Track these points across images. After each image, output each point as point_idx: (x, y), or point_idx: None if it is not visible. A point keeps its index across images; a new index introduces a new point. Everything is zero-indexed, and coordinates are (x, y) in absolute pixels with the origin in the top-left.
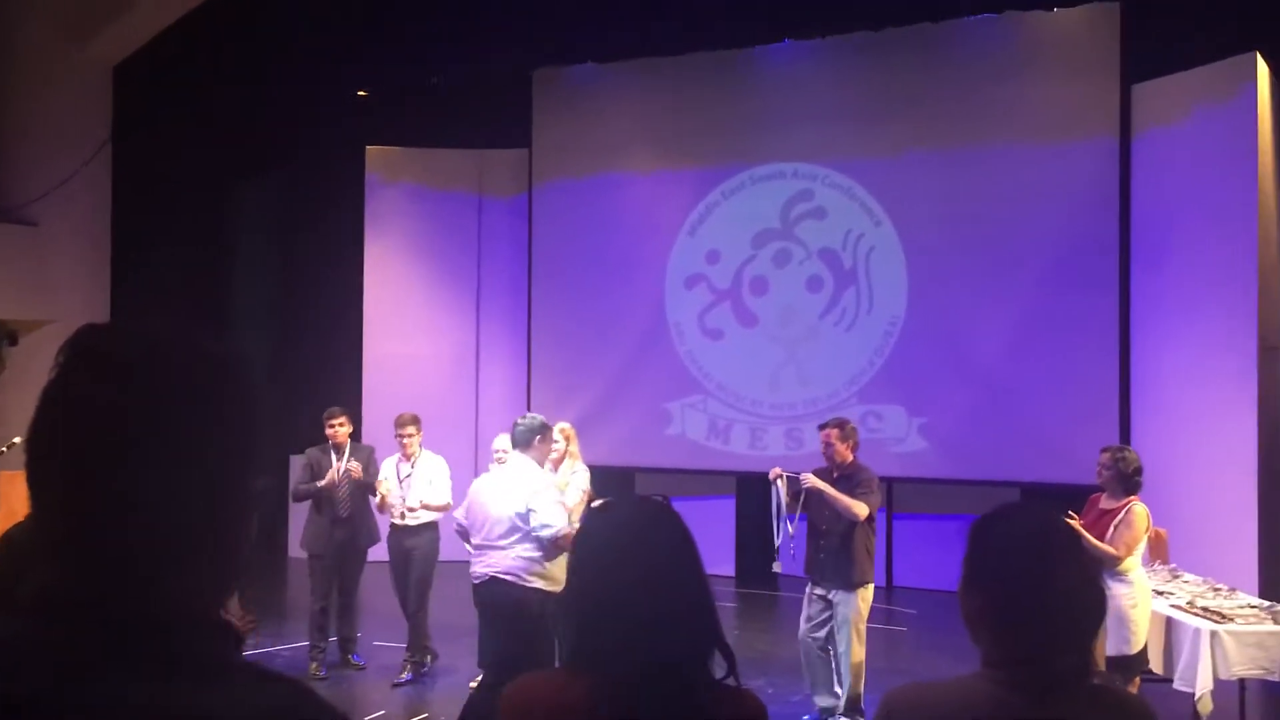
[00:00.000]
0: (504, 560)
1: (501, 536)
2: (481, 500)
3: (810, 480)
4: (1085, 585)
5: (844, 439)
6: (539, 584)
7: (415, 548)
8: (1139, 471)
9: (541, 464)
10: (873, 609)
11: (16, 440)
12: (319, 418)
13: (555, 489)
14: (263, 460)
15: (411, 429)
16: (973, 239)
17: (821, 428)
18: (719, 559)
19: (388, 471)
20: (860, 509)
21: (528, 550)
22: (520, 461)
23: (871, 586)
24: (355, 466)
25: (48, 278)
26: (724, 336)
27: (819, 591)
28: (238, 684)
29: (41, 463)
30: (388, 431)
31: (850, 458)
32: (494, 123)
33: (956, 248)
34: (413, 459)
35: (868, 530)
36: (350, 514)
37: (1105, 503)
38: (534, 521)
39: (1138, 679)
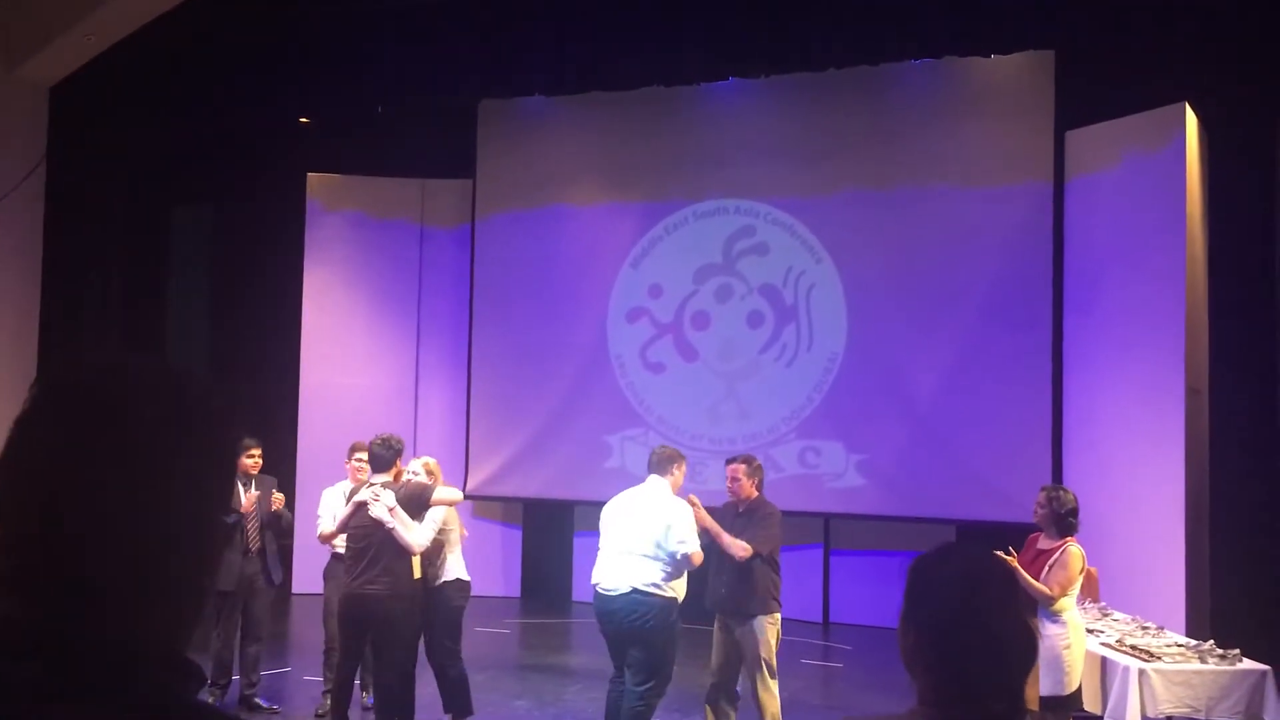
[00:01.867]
0: (645, 573)
1: (641, 551)
2: (619, 516)
3: (695, 502)
4: (1017, 627)
5: (750, 475)
6: (672, 594)
7: None
8: (1074, 513)
9: (676, 490)
10: (810, 645)
11: None
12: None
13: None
14: (229, 496)
15: (366, 455)
16: (911, 278)
17: (729, 462)
18: None
19: (332, 501)
20: (739, 550)
21: (663, 564)
22: (657, 484)
23: (778, 617)
24: (279, 498)
25: None
26: (665, 370)
27: (723, 629)
28: None
29: (6, 493)
30: (323, 460)
31: (755, 494)
32: (438, 152)
33: (895, 286)
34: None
35: (768, 567)
36: (260, 547)
37: (1043, 542)
38: (672, 539)
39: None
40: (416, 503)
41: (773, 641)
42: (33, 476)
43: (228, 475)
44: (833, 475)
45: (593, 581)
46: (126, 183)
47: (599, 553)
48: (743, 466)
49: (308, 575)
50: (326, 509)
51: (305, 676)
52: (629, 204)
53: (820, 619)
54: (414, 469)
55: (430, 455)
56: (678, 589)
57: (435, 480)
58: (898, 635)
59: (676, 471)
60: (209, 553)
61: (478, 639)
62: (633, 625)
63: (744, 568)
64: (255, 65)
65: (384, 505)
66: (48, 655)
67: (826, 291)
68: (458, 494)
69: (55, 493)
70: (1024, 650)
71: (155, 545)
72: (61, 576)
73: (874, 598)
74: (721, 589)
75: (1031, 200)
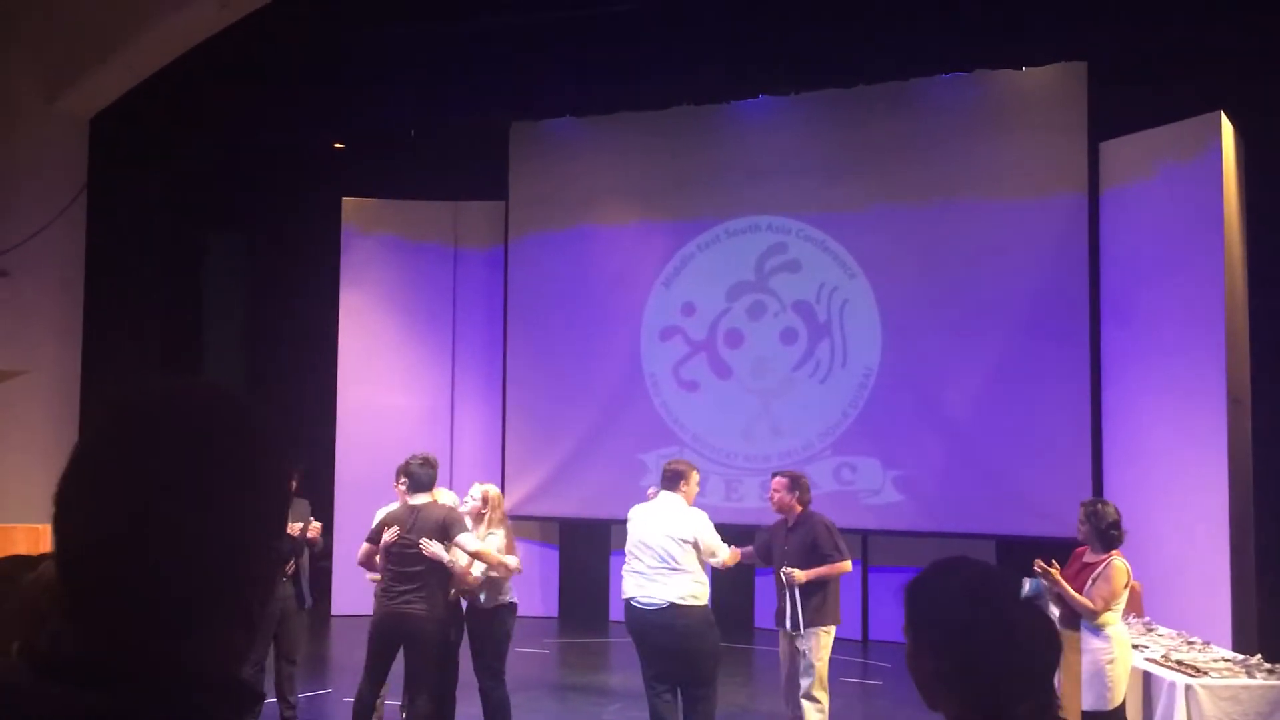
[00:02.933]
0: (680, 586)
1: (672, 565)
2: (644, 530)
3: (799, 577)
4: (1033, 623)
5: (792, 490)
6: (706, 602)
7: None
8: (1116, 525)
9: (690, 501)
10: (849, 663)
11: None
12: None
13: None
14: (284, 522)
15: None
16: (945, 292)
17: (775, 475)
18: None
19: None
20: (844, 566)
21: (694, 576)
22: (671, 499)
23: (833, 629)
24: (316, 526)
25: (20, 328)
26: (699, 388)
27: (790, 641)
28: None
29: (66, 516)
30: (360, 480)
31: (799, 509)
32: (470, 175)
33: (929, 300)
34: None
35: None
36: (295, 571)
37: (1089, 556)
38: (704, 552)
39: None
40: (442, 532)
41: (825, 652)
42: (92, 500)
43: (283, 501)
44: (869, 491)
45: (626, 595)
46: (164, 210)
47: (628, 567)
48: (785, 481)
49: (347, 597)
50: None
51: (345, 698)
52: (660, 223)
53: (859, 636)
54: (473, 494)
55: (473, 475)
56: (706, 595)
57: (493, 511)
58: (909, 664)
59: (686, 486)
60: (266, 578)
61: (516, 659)
62: (676, 640)
63: (809, 582)
64: (289, 92)
65: (438, 547)
66: (103, 681)
67: (860, 307)
68: (496, 558)
69: (114, 517)
70: (1046, 643)
71: (214, 570)
72: (118, 601)
73: None
74: (786, 604)
75: (1066, 212)
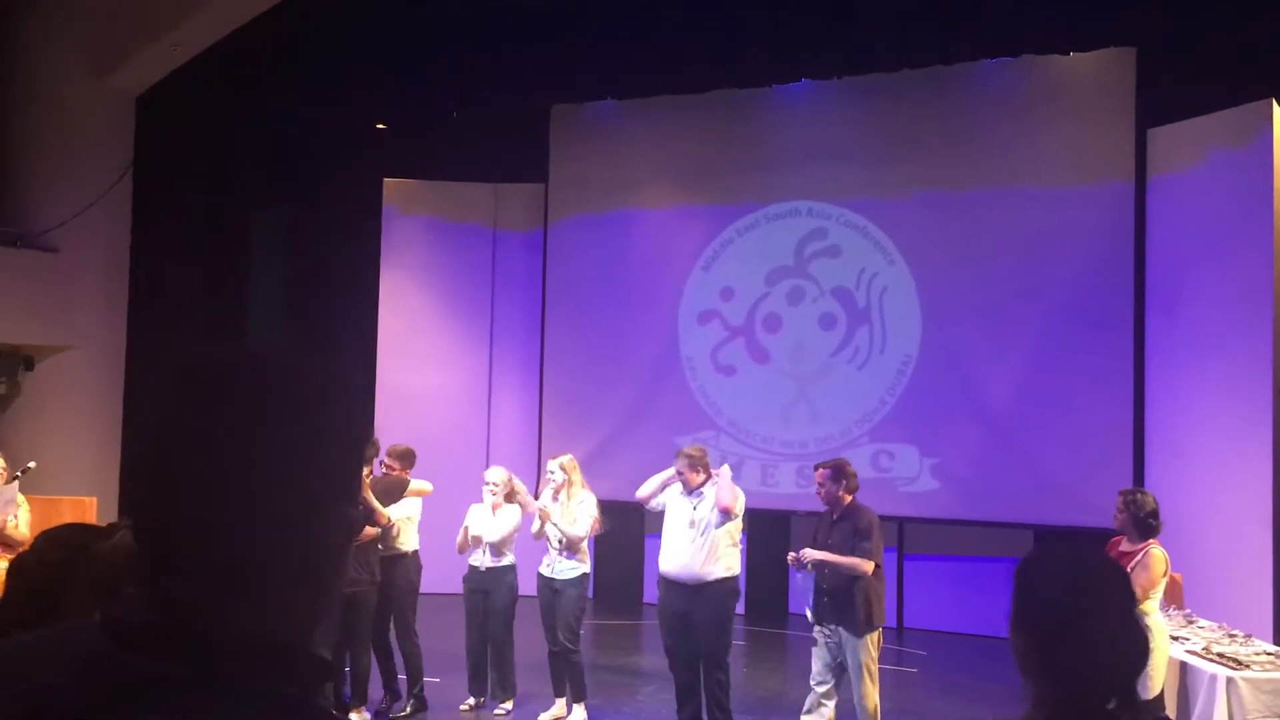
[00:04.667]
0: (717, 559)
1: (708, 540)
2: (678, 508)
3: (810, 555)
4: (1128, 623)
5: (836, 480)
6: (737, 574)
7: (395, 575)
8: (1154, 514)
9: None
10: (883, 650)
11: (32, 465)
12: None
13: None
14: (357, 487)
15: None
16: (987, 279)
17: (817, 467)
18: None
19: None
20: (865, 567)
21: (725, 548)
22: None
23: (879, 630)
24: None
25: (67, 304)
26: (736, 372)
27: (826, 636)
28: None
29: (138, 481)
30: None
31: (847, 499)
32: (511, 157)
33: (970, 288)
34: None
35: (872, 576)
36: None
37: (1125, 545)
38: (734, 528)
39: None
40: (390, 494)
41: (874, 652)
42: (160, 467)
43: (353, 464)
44: (906, 479)
45: (664, 570)
46: (208, 188)
47: (665, 543)
48: (828, 473)
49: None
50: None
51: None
52: (700, 207)
53: (894, 624)
54: (551, 469)
55: (501, 464)
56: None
57: (571, 474)
58: (1010, 639)
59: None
60: (338, 545)
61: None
62: (710, 611)
63: (849, 580)
64: (333, 72)
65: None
66: (177, 649)
67: (900, 294)
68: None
69: (180, 483)
70: (1136, 646)
71: (284, 535)
72: (189, 569)
73: (949, 603)
74: (825, 600)
75: (1112, 200)
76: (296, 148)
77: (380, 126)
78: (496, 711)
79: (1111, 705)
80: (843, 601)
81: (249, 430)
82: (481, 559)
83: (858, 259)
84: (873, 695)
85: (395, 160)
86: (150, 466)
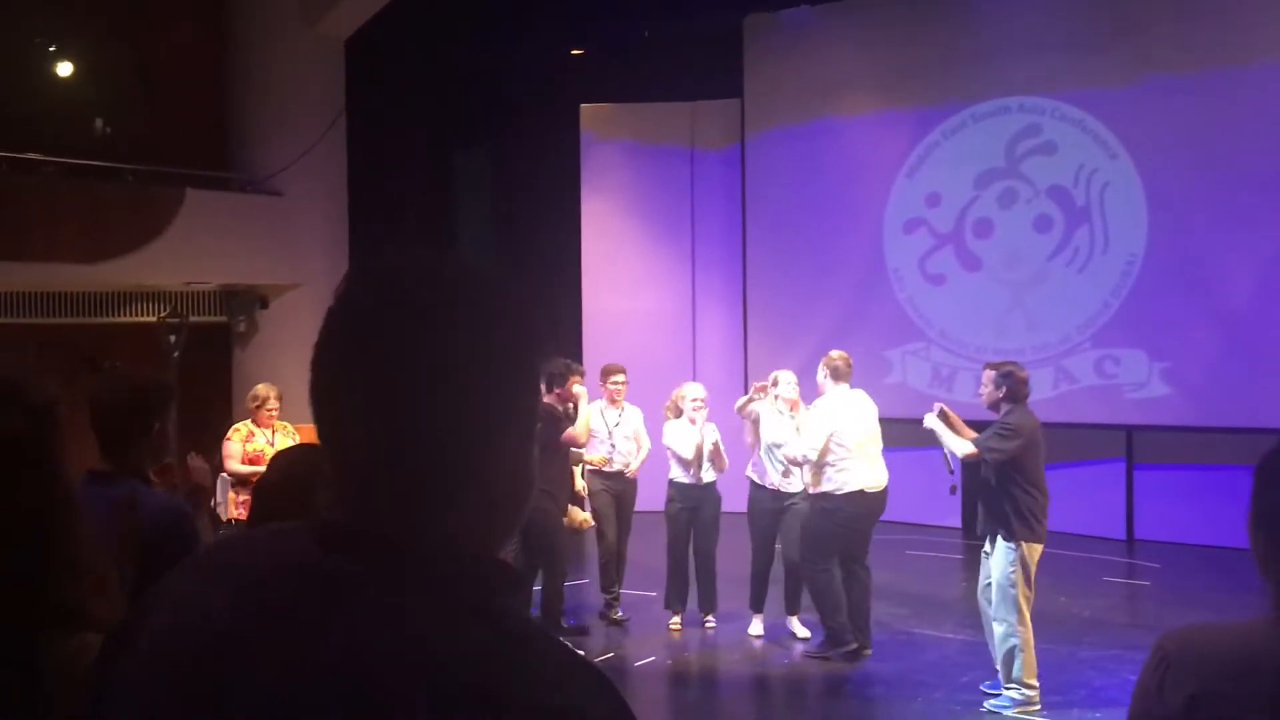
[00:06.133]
0: (885, 470)
1: (879, 450)
2: (861, 422)
3: (936, 413)
4: None
5: (999, 384)
6: None
7: (625, 491)
8: None
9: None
10: (1113, 563)
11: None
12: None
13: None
14: (537, 398)
15: (623, 377)
16: (1219, 169)
17: (986, 367)
18: (944, 511)
19: (593, 421)
20: (959, 446)
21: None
22: (858, 392)
23: (1027, 547)
24: None
25: (293, 244)
26: (946, 282)
27: (985, 548)
28: (480, 631)
29: (322, 390)
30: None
31: (998, 402)
32: (705, 74)
33: (1201, 179)
34: (620, 408)
35: (1017, 481)
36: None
37: None
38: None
39: None
40: None
41: (1017, 575)
42: (343, 372)
43: (532, 381)
44: (1133, 385)
45: (859, 485)
46: (415, 126)
47: (857, 457)
48: (991, 373)
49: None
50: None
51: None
52: (902, 111)
53: (1123, 536)
54: (788, 379)
55: (715, 375)
56: None
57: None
58: (1250, 538)
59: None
60: (523, 449)
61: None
62: (880, 514)
63: (992, 485)
64: (526, 3)
65: None
66: (370, 554)
67: (1123, 189)
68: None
69: (364, 386)
70: None
71: (466, 440)
72: (371, 472)
73: (1184, 513)
74: (978, 504)
75: None
76: (496, 81)
77: (576, 52)
78: (708, 625)
79: None
80: (987, 508)
81: (430, 339)
82: (686, 475)
83: (1075, 155)
84: (1005, 624)
85: (591, 86)
86: (322, 377)
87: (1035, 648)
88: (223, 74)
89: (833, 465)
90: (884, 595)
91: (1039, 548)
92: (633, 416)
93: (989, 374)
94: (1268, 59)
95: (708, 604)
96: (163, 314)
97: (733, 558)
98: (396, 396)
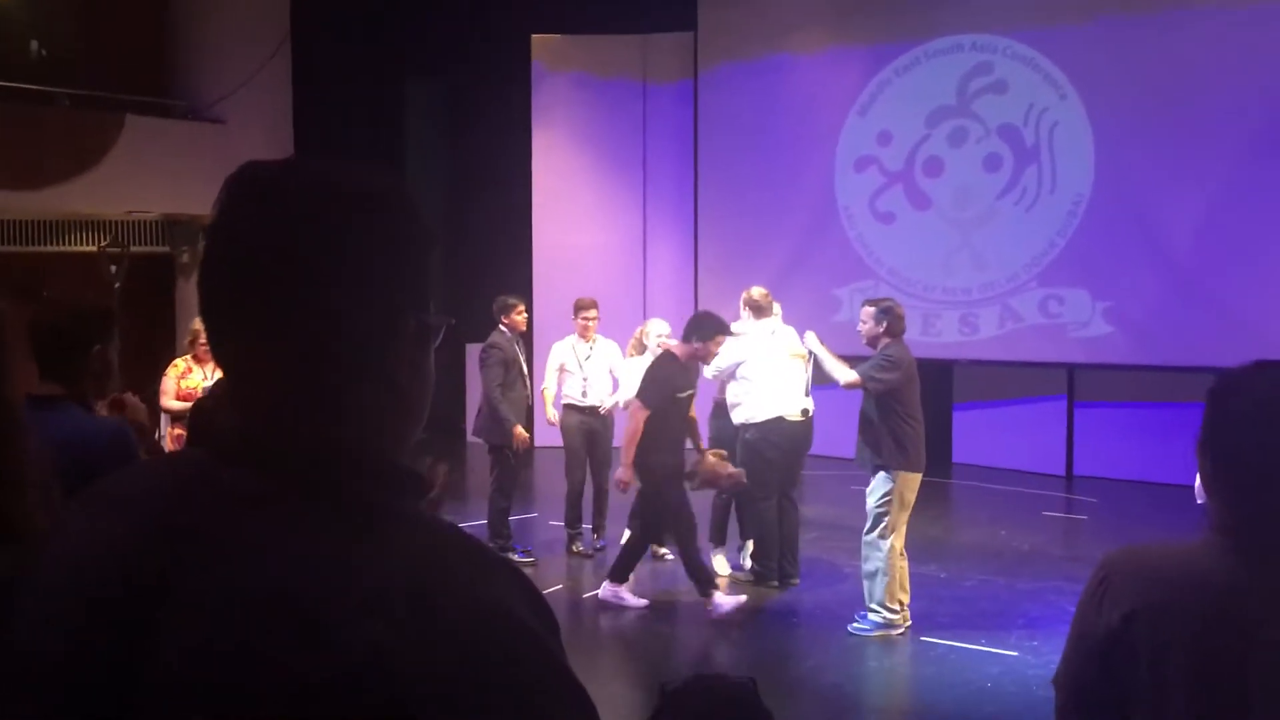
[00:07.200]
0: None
1: (803, 379)
2: (777, 352)
3: (809, 339)
4: None
5: (879, 320)
6: None
7: (600, 428)
8: None
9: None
10: (1053, 498)
11: None
12: (489, 308)
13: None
14: (437, 295)
15: (595, 312)
16: (1167, 110)
17: (864, 304)
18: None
19: (563, 354)
20: (843, 374)
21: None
22: (779, 323)
23: (903, 476)
24: None
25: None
26: (896, 220)
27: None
28: (395, 531)
29: (212, 302)
30: (559, 319)
31: (878, 337)
32: (659, 6)
33: (1149, 120)
34: (591, 342)
35: (897, 411)
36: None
37: None
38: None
39: None
40: None
41: (886, 497)
42: (231, 282)
43: (422, 269)
44: (1077, 324)
45: (775, 413)
46: (362, 56)
47: (765, 385)
48: (869, 309)
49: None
50: (553, 363)
51: (552, 521)
52: (855, 48)
53: (1063, 472)
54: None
55: (666, 311)
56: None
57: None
58: (1198, 459)
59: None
60: (418, 354)
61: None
62: (806, 445)
63: (868, 414)
64: None
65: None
66: (272, 465)
67: (1072, 129)
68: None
69: (253, 296)
70: None
71: (359, 347)
72: (266, 384)
73: (1123, 451)
74: (857, 440)
75: None
76: (446, 9)
77: None
78: (664, 555)
79: None
80: (862, 435)
81: (321, 241)
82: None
83: (1026, 94)
84: (874, 557)
85: (543, 15)
86: (224, 293)
87: (976, 579)
88: None
89: (741, 397)
90: (820, 527)
91: (917, 477)
92: (605, 350)
93: (868, 310)
94: (1218, 4)
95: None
96: (104, 243)
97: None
98: (282, 307)
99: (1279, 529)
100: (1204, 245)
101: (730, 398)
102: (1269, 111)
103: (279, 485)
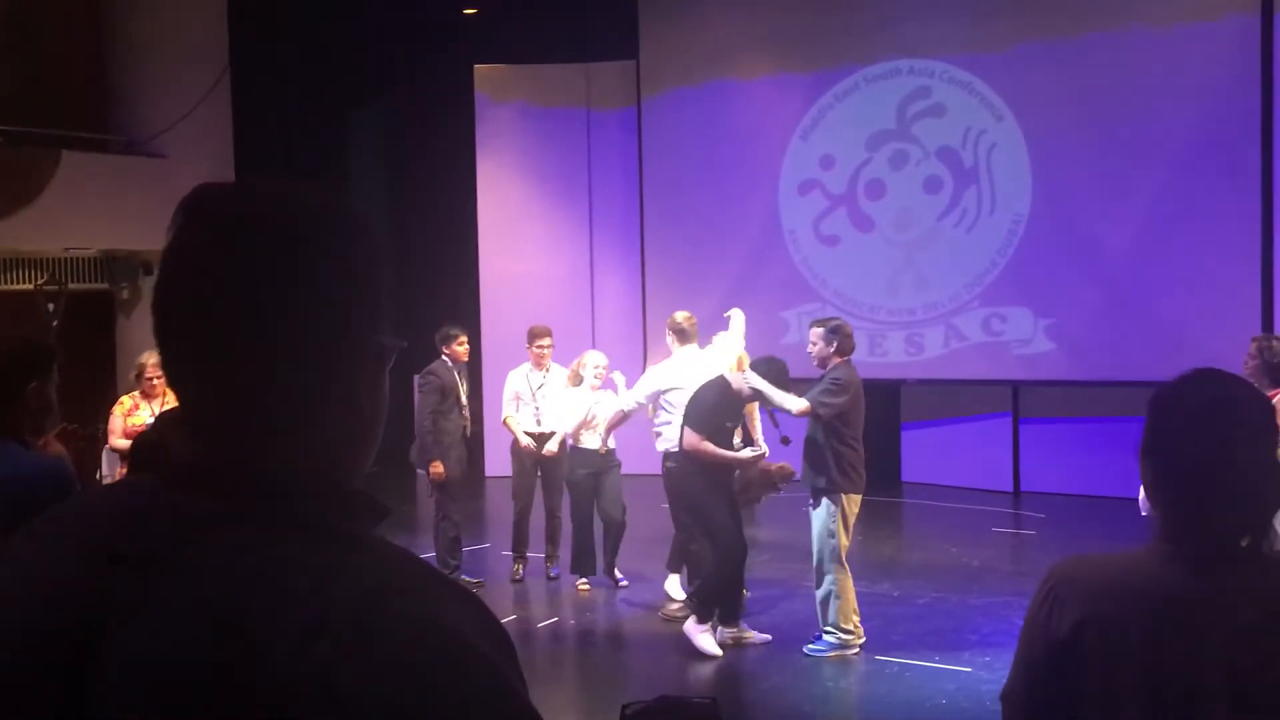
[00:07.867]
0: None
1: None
2: (685, 382)
3: (750, 375)
4: (1264, 463)
5: (829, 340)
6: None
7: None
8: None
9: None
10: (1001, 514)
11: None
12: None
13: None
14: (391, 317)
15: (549, 340)
16: (1101, 131)
17: (813, 325)
18: None
19: (516, 384)
20: (792, 404)
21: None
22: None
23: (847, 499)
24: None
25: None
26: (840, 242)
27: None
28: (347, 554)
29: (167, 327)
30: (507, 349)
31: (838, 361)
32: (601, 35)
33: (1084, 141)
34: (545, 370)
35: (842, 435)
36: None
37: None
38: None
39: None
40: None
41: (831, 522)
42: (184, 307)
43: (381, 293)
44: (1019, 342)
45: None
46: (304, 86)
47: (678, 416)
48: (818, 330)
49: (500, 458)
50: (509, 391)
51: (504, 551)
52: (796, 74)
53: (1010, 488)
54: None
55: (614, 339)
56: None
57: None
58: (1140, 467)
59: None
60: (373, 376)
61: (663, 515)
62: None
63: (811, 438)
64: None
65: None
66: (208, 485)
67: (1009, 151)
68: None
69: (206, 320)
70: (1271, 488)
71: (312, 369)
72: (219, 407)
73: (1067, 465)
74: (802, 463)
75: (1235, 35)
76: (388, 39)
77: (469, 11)
78: (620, 584)
79: (1245, 543)
80: (806, 461)
81: (274, 263)
82: (594, 441)
83: (963, 117)
84: (828, 574)
85: (485, 46)
86: (166, 306)
87: (928, 597)
88: (100, 29)
89: (662, 426)
90: (773, 549)
91: (859, 498)
92: (560, 379)
93: (817, 331)
94: (1145, 23)
95: (612, 569)
96: (40, 281)
97: (644, 521)
98: (239, 331)
99: (1222, 534)
100: (1142, 263)
101: (656, 425)
102: (1195, 128)
103: (232, 508)
